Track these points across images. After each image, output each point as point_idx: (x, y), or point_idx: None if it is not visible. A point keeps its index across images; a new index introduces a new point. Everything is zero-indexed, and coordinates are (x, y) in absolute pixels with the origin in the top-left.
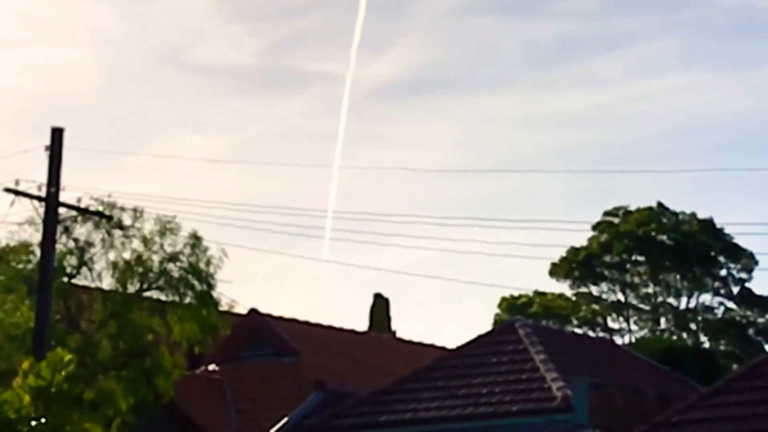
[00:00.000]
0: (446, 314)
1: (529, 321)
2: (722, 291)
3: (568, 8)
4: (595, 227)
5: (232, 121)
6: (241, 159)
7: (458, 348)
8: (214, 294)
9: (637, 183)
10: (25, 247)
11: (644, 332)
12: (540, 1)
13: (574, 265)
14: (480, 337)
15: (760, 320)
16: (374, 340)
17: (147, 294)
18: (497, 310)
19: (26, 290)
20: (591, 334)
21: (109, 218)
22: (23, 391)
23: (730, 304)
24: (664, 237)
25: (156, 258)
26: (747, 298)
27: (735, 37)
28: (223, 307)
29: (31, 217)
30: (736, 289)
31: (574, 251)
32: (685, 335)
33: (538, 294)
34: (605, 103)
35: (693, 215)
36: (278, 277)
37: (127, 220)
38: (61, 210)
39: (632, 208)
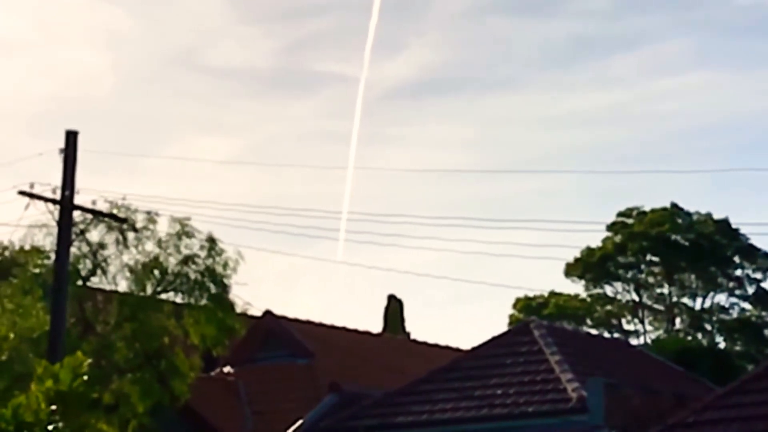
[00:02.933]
0: (460, 315)
1: (543, 322)
2: (737, 291)
3: (583, 8)
4: (609, 228)
5: (247, 123)
6: (255, 161)
7: (473, 349)
8: (230, 296)
9: (652, 183)
10: (39, 250)
11: (659, 333)
12: (554, 1)
13: (589, 265)
14: (495, 338)
15: None
16: (389, 341)
17: (163, 296)
18: (512, 311)
19: (41, 293)
20: (606, 334)
21: (124, 221)
22: (40, 394)
23: (746, 305)
24: (679, 237)
25: (172, 260)
26: (762, 298)
27: (750, 37)
28: (238, 309)
29: (42, 220)
30: (751, 290)
31: (588, 252)
32: (700, 336)
33: (553, 295)
34: (620, 103)
35: (708, 215)
36: (293, 278)
37: (141, 223)
38: (76, 213)
39: (646, 208)
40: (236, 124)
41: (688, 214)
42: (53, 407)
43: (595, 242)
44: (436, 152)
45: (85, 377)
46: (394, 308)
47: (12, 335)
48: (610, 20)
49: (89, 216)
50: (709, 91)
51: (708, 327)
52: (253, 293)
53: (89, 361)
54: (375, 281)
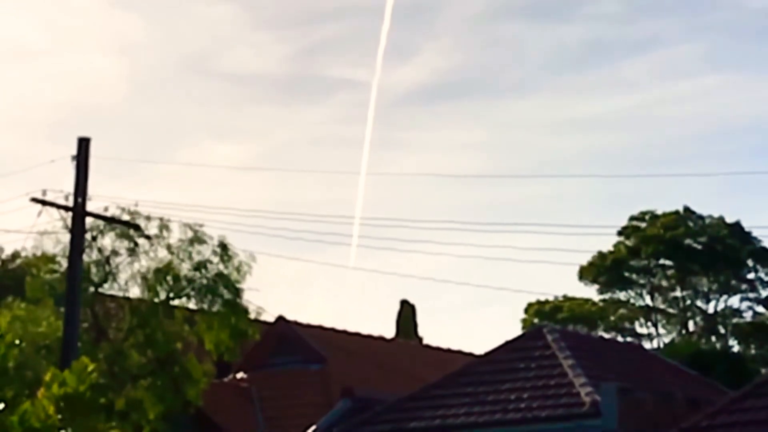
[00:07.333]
0: (473, 320)
1: (557, 326)
2: (751, 294)
3: (595, 12)
4: (621, 232)
5: (260, 129)
6: (268, 166)
7: (486, 354)
8: (242, 301)
9: (664, 187)
10: (50, 257)
11: (672, 336)
12: (566, 5)
13: (602, 269)
14: (508, 342)
15: None
16: (401, 346)
17: (175, 302)
18: (525, 316)
19: (52, 300)
20: (619, 338)
21: (137, 227)
22: (48, 400)
23: (759, 308)
24: (692, 241)
25: (185, 266)
26: None
27: (761, 40)
28: (251, 315)
29: (54, 227)
30: (764, 293)
31: (601, 256)
32: (713, 339)
33: (566, 299)
34: (632, 106)
35: (721, 218)
36: (305, 283)
37: (153, 229)
38: (88, 219)
39: (659, 212)
40: (249, 129)
41: (701, 218)
42: (60, 413)
43: (608, 246)
44: (448, 157)
45: (93, 382)
46: (406, 313)
47: (23, 342)
48: (622, 24)
49: (101, 222)
50: (721, 95)
51: (721, 330)
52: (265, 299)
53: (94, 366)
54: (387, 286)
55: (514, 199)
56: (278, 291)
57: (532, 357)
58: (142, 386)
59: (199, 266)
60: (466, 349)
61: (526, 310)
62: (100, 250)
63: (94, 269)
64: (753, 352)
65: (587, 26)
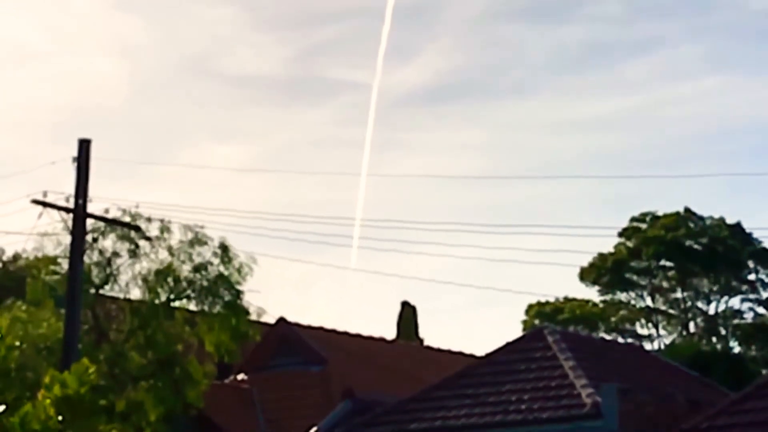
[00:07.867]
0: (474, 321)
1: (557, 327)
2: (751, 295)
3: (595, 13)
4: (622, 233)
5: (260, 130)
6: (269, 168)
7: (487, 355)
8: (243, 303)
9: (664, 188)
10: (51, 258)
11: (673, 337)
12: (566, 6)
13: (603, 271)
14: (509, 344)
15: None
16: (402, 348)
17: (176, 304)
18: (526, 317)
19: (53, 302)
20: (620, 340)
21: (138, 229)
22: (48, 402)
23: (760, 309)
24: (692, 242)
25: (185, 268)
26: None
27: (762, 41)
28: (252, 316)
29: (52, 228)
30: (765, 294)
31: (601, 257)
32: (714, 340)
33: (567, 300)
34: (632, 107)
35: (721, 219)
36: (306, 285)
37: (154, 231)
38: (89, 221)
39: (659, 213)
40: (250, 131)
41: (701, 219)
42: (60, 415)
43: (609, 248)
44: (448, 158)
45: (94, 383)
46: (407, 314)
47: (24, 344)
48: (622, 25)
49: (102, 224)
50: (721, 96)
51: (722, 331)
52: (267, 300)
53: (94, 367)
54: (388, 288)
55: (515, 200)
56: (279, 292)
57: (532, 358)
58: (142, 388)
59: (200, 268)
60: (467, 350)
61: (527, 312)
62: (100, 252)
63: (94, 271)
64: (753, 353)
65: (587, 27)
